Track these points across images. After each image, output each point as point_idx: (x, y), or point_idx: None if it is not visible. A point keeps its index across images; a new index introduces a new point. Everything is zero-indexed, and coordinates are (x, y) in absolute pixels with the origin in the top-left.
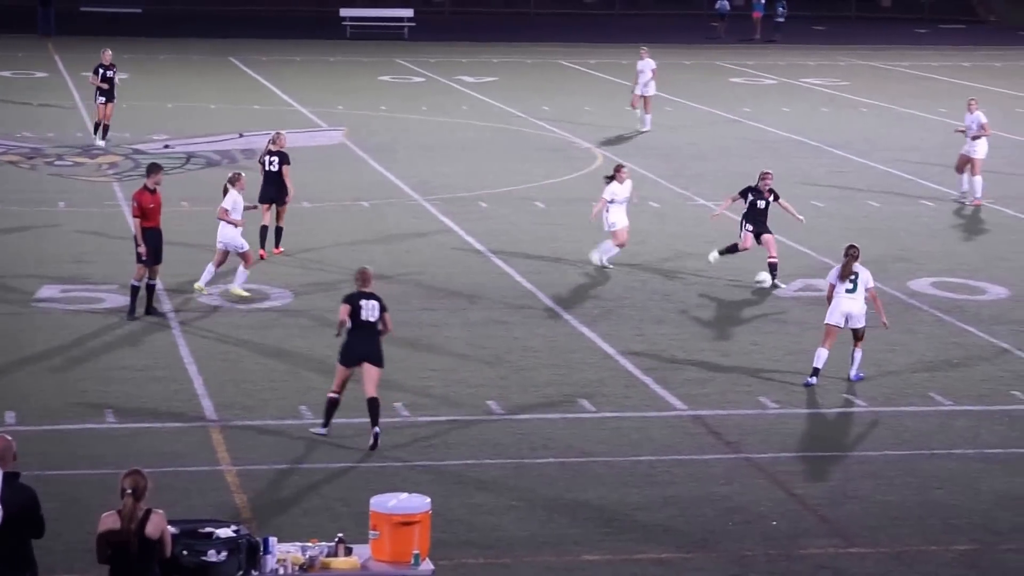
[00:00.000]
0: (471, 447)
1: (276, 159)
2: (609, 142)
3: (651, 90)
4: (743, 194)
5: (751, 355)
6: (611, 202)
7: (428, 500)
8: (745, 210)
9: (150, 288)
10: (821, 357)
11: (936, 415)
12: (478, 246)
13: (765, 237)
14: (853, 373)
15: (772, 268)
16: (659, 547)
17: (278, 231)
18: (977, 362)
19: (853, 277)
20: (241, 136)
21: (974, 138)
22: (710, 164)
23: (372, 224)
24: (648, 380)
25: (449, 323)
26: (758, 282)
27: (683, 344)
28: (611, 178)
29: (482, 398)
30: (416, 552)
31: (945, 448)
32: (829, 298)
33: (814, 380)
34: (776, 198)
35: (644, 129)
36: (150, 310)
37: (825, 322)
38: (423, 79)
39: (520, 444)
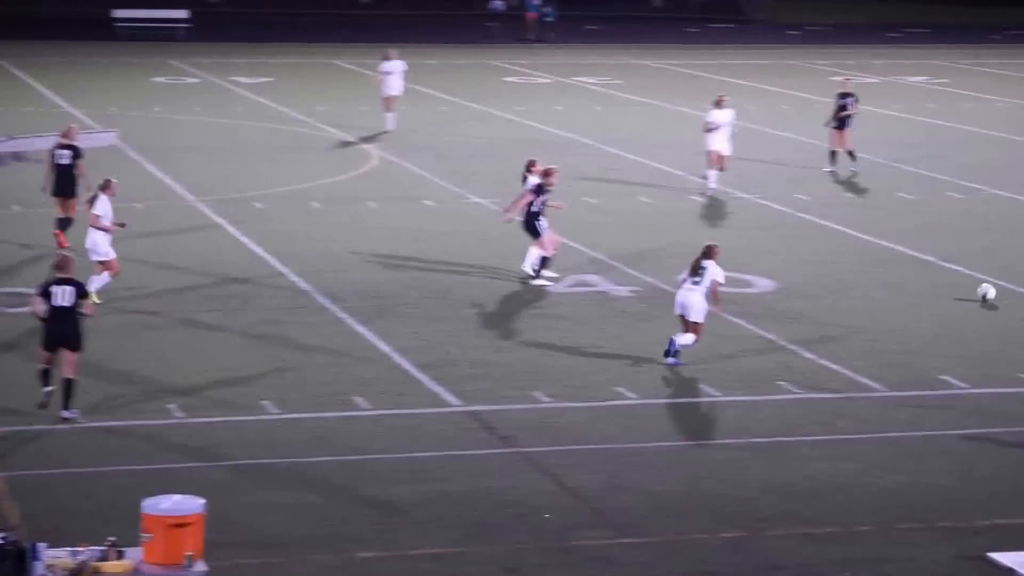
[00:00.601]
0: (246, 447)
1: (67, 152)
2: (384, 142)
3: (396, 90)
4: (536, 192)
5: (525, 350)
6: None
7: (202, 502)
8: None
9: None
10: (680, 339)
11: (706, 406)
12: (253, 247)
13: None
14: (671, 358)
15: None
16: (434, 542)
17: (66, 222)
18: (746, 354)
19: (700, 271)
20: (10, 140)
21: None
22: (484, 163)
23: (146, 225)
24: (423, 377)
25: (224, 324)
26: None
27: (458, 341)
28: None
29: (257, 398)
30: (189, 554)
31: (713, 438)
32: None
33: (673, 361)
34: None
35: (389, 128)
36: None
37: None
38: (198, 80)
39: (295, 443)
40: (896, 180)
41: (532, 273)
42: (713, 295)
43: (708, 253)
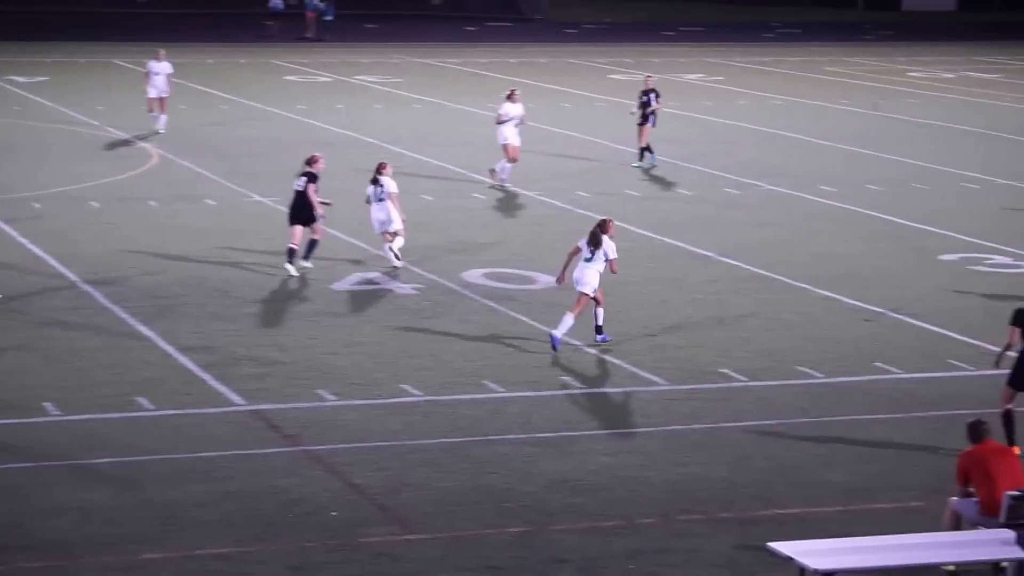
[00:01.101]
0: (25, 450)
1: None
2: (164, 141)
3: (163, 91)
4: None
5: (309, 349)
6: (503, 122)
7: None
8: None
9: None
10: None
11: (490, 402)
12: (32, 248)
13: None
14: (557, 333)
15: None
16: (219, 542)
17: None
18: (529, 349)
19: (593, 248)
20: None
21: (503, 122)
22: (266, 161)
23: None
24: (207, 376)
25: (3, 325)
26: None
27: (242, 339)
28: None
29: (38, 399)
30: None
31: (498, 434)
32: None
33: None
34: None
35: (160, 131)
36: None
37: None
38: None
39: (77, 445)
40: (675, 175)
41: (395, 257)
42: (612, 269)
43: (604, 228)
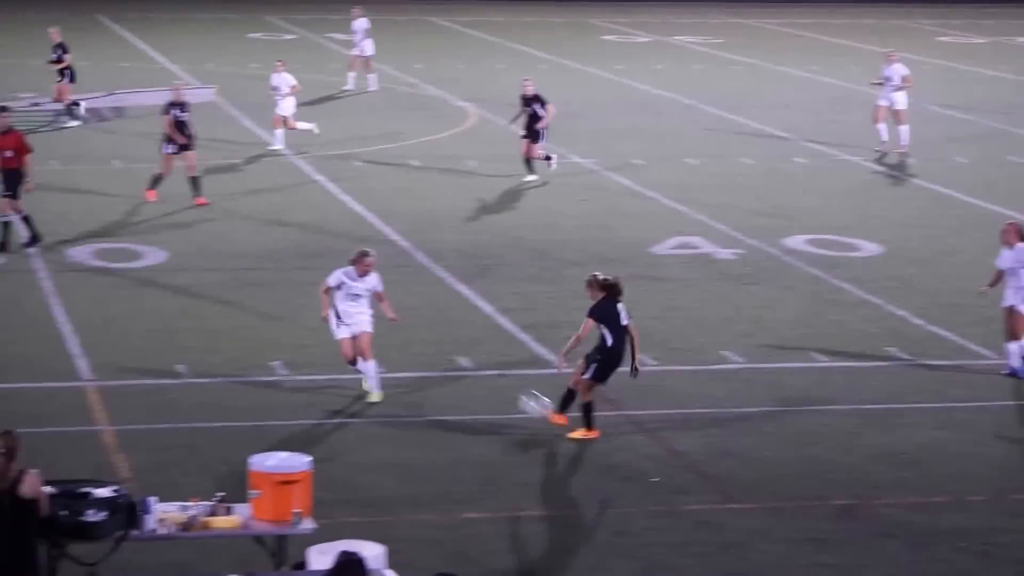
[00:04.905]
0: (347, 408)
1: (182, 109)
2: (481, 100)
3: (369, 49)
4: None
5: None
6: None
7: (309, 459)
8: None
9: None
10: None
11: (814, 371)
12: (354, 205)
13: None
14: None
15: None
16: (539, 504)
17: (194, 181)
18: (853, 319)
19: None
20: (77, 105)
21: (897, 89)
22: (584, 122)
23: (245, 183)
24: (526, 338)
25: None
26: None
27: (561, 302)
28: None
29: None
30: (297, 511)
31: (822, 404)
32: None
33: None
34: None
35: (371, 89)
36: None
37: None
38: (295, 36)
39: (399, 403)
40: None
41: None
42: None
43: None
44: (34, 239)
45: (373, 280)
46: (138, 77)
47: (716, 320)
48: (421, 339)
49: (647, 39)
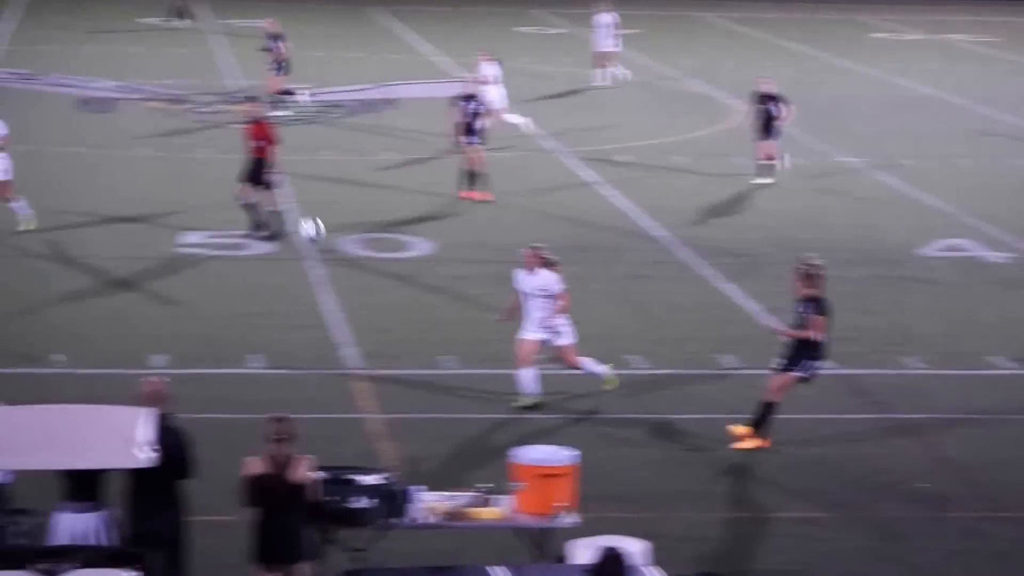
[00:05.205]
0: (615, 402)
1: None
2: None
3: (610, 46)
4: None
5: (895, 315)
6: None
7: (576, 453)
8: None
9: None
10: None
11: None
12: (620, 201)
13: None
14: None
15: None
16: (802, 506)
17: (471, 176)
18: None
19: None
20: (311, 95)
21: None
22: (852, 120)
23: (517, 177)
24: None
25: (590, 275)
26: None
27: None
28: None
29: (621, 352)
30: (561, 504)
31: None
32: None
33: None
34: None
35: (602, 84)
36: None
37: None
38: (563, 31)
39: (662, 399)
40: None
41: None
42: None
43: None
44: (258, 228)
45: (544, 278)
46: (404, 69)
47: (985, 324)
48: (685, 336)
49: (917, 37)
